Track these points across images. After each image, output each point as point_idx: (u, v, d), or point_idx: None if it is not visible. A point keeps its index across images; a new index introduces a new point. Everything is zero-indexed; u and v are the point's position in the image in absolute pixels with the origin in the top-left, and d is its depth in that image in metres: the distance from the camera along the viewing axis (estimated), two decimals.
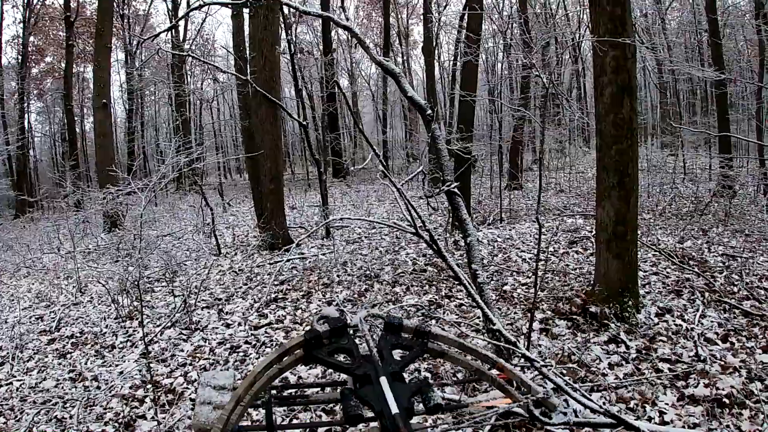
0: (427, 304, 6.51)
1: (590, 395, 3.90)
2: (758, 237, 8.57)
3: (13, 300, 8.97)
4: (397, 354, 1.09)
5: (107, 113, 15.95)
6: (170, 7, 26.81)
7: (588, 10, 6.67)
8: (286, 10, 11.55)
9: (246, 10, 11.72)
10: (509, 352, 3.75)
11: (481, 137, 16.22)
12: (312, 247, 10.41)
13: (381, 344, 1.05)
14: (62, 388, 5.24)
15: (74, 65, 26.21)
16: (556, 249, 8.78)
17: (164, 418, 4.40)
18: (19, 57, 25.69)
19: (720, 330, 5.15)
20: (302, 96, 18.05)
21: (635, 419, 3.57)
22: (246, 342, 5.94)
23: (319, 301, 7.11)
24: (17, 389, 5.31)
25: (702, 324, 5.30)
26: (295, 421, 3.87)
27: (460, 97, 11.64)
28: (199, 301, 7.39)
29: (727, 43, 16.81)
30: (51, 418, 4.62)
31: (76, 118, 27.95)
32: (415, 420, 0.96)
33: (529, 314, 5.02)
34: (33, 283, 10.07)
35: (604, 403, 3.81)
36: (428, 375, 4.59)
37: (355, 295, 7.13)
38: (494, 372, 1.16)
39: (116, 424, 4.40)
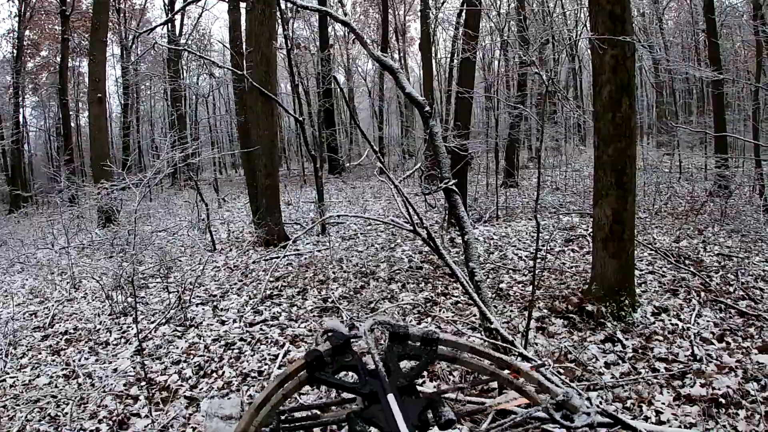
0: (423, 301, 6.49)
1: (587, 394, 3.89)
2: (754, 237, 8.58)
3: (6, 296, 8.90)
4: (405, 364, 1.05)
5: (102, 108, 15.85)
6: (167, 1, 26.68)
7: (586, 9, 6.65)
8: (283, 4, 11.48)
9: (243, 5, 11.66)
10: (506, 351, 3.73)
11: (478, 134, 16.18)
12: (307, 243, 10.39)
13: (387, 357, 1.01)
14: (56, 385, 5.20)
15: (70, 59, 26.08)
16: (553, 247, 8.78)
17: (158, 416, 4.36)
18: (15, 51, 25.47)
19: (716, 330, 5.15)
20: (299, 91, 18.00)
21: (632, 419, 3.58)
22: (241, 339, 5.91)
23: (315, 297, 7.09)
24: (11, 386, 5.27)
25: (698, 324, 5.30)
26: None
27: (457, 94, 11.62)
28: (193, 298, 7.35)
29: (724, 44, 16.84)
30: (44, 416, 4.58)
31: (71, 113, 27.80)
32: None
33: (525, 312, 5.00)
34: (27, 279, 10.01)
35: (600, 403, 3.80)
36: (425, 373, 4.57)
37: (351, 292, 7.11)
38: (507, 372, 1.12)
39: (110, 422, 4.37)
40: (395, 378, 0.96)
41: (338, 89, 21.67)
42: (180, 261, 9.68)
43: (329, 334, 1.07)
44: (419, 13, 18.93)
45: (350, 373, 1.02)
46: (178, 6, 25.05)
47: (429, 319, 5.90)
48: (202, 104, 32.90)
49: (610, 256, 5.47)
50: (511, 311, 5.99)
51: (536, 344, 4.92)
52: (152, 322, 6.67)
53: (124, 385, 5.03)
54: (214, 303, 7.26)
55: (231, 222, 13.81)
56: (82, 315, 7.39)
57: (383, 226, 10.87)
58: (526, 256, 8.28)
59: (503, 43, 16.25)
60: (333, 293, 7.12)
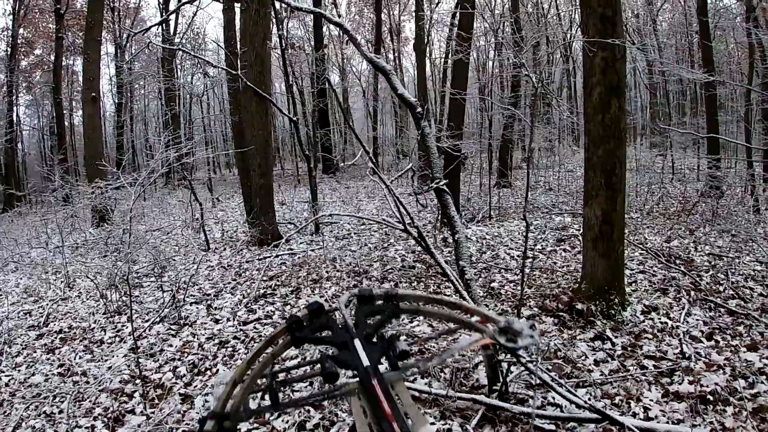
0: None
1: (576, 391, 3.95)
2: (744, 237, 8.65)
3: (0, 295, 8.90)
4: (372, 321, 1.17)
5: (96, 107, 15.86)
6: (161, 0, 26.66)
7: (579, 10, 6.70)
8: (277, 5, 11.50)
9: (237, 5, 11.69)
10: (495, 348, 3.78)
11: (472, 135, 16.26)
12: (301, 242, 10.42)
13: (356, 315, 1.13)
14: (51, 383, 5.21)
15: (64, 58, 25.99)
16: (544, 247, 8.84)
17: (153, 413, 4.39)
18: (8, 49, 25.40)
19: (705, 328, 5.21)
20: (293, 91, 18.01)
21: (620, 415, 3.63)
22: (235, 337, 5.94)
23: (308, 297, 7.12)
24: (6, 384, 5.28)
25: (687, 322, 5.35)
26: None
27: (451, 95, 11.67)
28: (187, 297, 7.38)
29: (717, 45, 16.95)
30: (40, 413, 4.60)
31: (65, 112, 27.70)
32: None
33: (516, 311, 5.06)
34: (21, 278, 10.00)
35: (589, 399, 3.86)
36: (415, 370, 4.61)
37: (344, 291, 7.14)
38: (458, 312, 1.24)
39: (105, 419, 4.39)
40: (362, 330, 1.07)
41: (331, 90, 21.72)
42: (174, 260, 9.70)
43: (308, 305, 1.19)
44: (414, 14, 18.95)
45: (325, 333, 1.13)
46: (172, 6, 25.04)
47: (420, 317, 5.94)
48: (196, 104, 32.86)
49: (600, 256, 5.53)
50: (503, 310, 6.04)
51: None
52: (147, 321, 6.69)
53: (120, 382, 5.05)
54: (208, 302, 7.29)
55: (225, 221, 13.83)
56: (76, 314, 7.39)
57: (376, 226, 10.91)
58: (518, 256, 8.34)
59: (497, 44, 16.30)
60: (326, 292, 7.17)
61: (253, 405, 1.00)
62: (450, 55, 15.40)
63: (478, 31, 17.20)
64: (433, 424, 3.74)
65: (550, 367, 4.40)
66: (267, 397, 1.03)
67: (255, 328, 6.18)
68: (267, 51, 10.60)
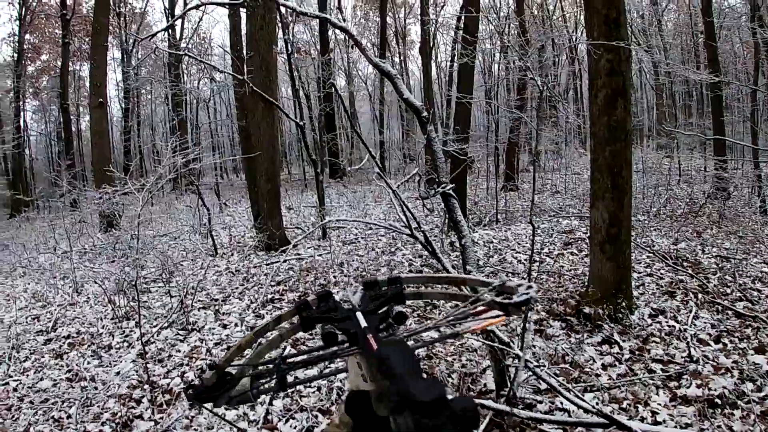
0: (423, 304, 6.53)
1: (584, 395, 3.94)
2: (752, 239, 8.63)
3: (9, 300, 8.95)
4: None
5: (103, 112, 15.91)
6: (167, 5, 26.79)
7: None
8: (283, 9, 11.54)
9: (243, 10, 11.72)
10: (503, 353, 3.79)
11: (478, 138, 16.23)
12: (309, 247, 10.42)
13: (362, 300, 1.17)
14: (59, 388, 5.23)
15: (70, 63, 26.16)
16: (551, 250, 8.82)
17: (161, 419, 4.40)
18: (15, 55, 25.55)
19: (713, 331, 5.20)
20: (299, 96, 18.05)
21: (628, 419, 3.63)
22: None
23: None
24: (14, 389, 5.31)
25: (695, 325, 5.34)
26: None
27: (457, 98, 11.67)
28: (195, 302, 7.40)
29: (722, 46, 16.87)
30: (48, 418, 4.62)
31: (72, 117, 27.86)
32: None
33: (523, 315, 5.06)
34: (29, 283, 10.05)
35: (597, 404, 3.85)
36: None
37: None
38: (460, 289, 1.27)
39: (113, 424, 4.41)
40: (365, 307, 1.11)
41: (336, 95, 21.75)
42: (182, 265, 9.72)
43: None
44: (419, 18, 18.97)
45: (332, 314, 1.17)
46: (178, 10, 25.17)
47: (429, 321, 5.94)
48: (203, 109, 32.94)
49: (607, 259, 5.52)
50: None
51: (534, 346, 4.97)
52: (155, 326, 6.71)
53: (128, 387, 5.07)
54: (216, 307, 7.31)
55: (233, 226, 13.85)
56: (84, 319, 7.43)
57: (384, 230, 10.92)
58: (525, 260, 8.32)
59: (503, 47, 16.30)
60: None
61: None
62: (455, 58, 15.42)
63: (483, 34, 17.19)
64: None
65: (557, 372, 4.40)
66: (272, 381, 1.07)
67: None
68: (273, 56, 10.63)
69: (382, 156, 23.33)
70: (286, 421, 4.14)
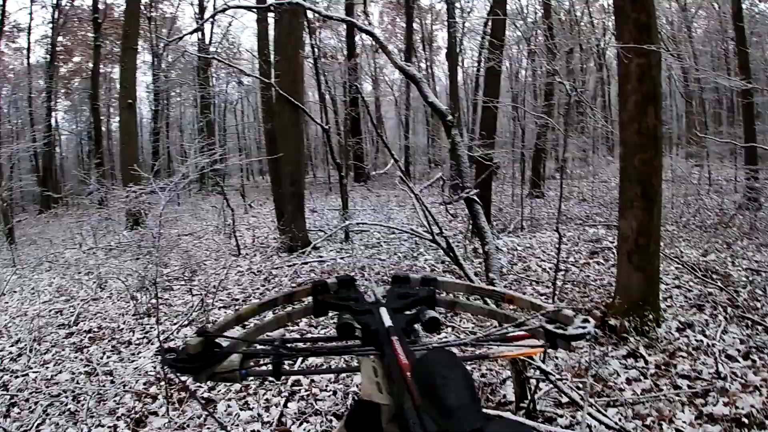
0: (444, 311, 6.44)
1: (606, 411, 3.83)
2: None
3: (33, 293, 9.08)
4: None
5: (132, 113, 16.15)
6: (197, 10, 27.12)
7: (613, 17, 6.59)
8: (310, 14, 11.58)
9: (271, 15, 11.79)
10: (524, 364, 3.70)
11: (504, 144, 16.12)
12: (330, 250, 10.41)
13: (388, 294, 1.05)
14: (77, 381, 5.26)
15: (101, 65, 26.63)
16: (577, 259, 8.68)
17: (176, 415, 4.40)
18: (48, 56, 26.08)
19: (742, 347, 5.03)
20: (325, 100, 18.10)
21: None
22: None
23: None
24: (33, 380, 5.35)
25: (723, 340, 5.18)
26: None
27: (483, 103, 11.60)
28: (216, 301, 7.42)
29: (753, 52, 16.53)
30: (64, 411, 4.64)
31: (102, 117, 28.37)
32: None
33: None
34: (54, 278, 10.19)
35: (620, 419, 3.74)
36: None
37: None
38: (503, 306, 1.14)
39: (128, 420, 4.41)
40: (390, 303, 0.99)
41: (361, 99, 21.73)
42: (204, 264, 9.78)
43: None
44: (446, 23, 18.89)
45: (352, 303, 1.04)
46: (207, 16, 25.44)
47: (449, 329, 5.86)
48: (230, 111, 33.27)
49: (634, 269, 5.39)
50: None
51: (557, 358, 4.86)
52: (175, 324, 6.73)
53: (144, 384, 5.07)
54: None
55: (256, 227, 13.92)
56: (106, 314, 7.49)
57: (406, 235, 10.86)
58: (550, 268, 8.19)
59: (530, 53, 16.16)
60: None
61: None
62: (482, 63, 15.34)
63: (510, 40, 17.09)
64: None
65: (580, 385, 4.29)
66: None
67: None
68: (299, 60, 10.67)
69: (407, 161, 23.25)
70: (300, 424, 4.09)
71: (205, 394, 4.75)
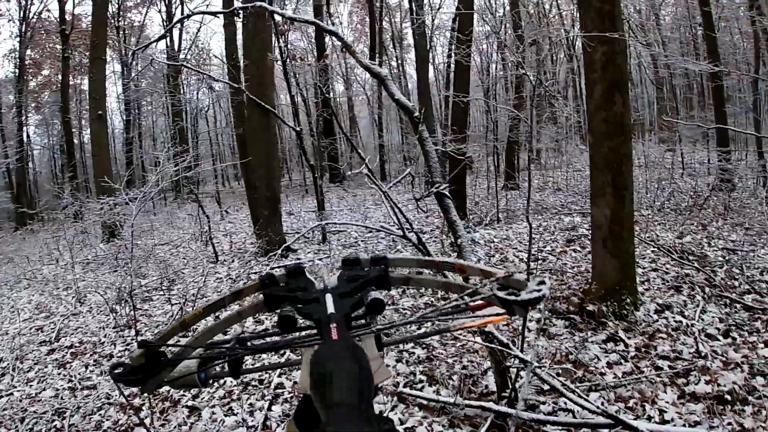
0: (424, 306, 6.47)
1: (588, 395, 3.87)
2: (758, 230, 8.52)
3: (13, 311, 8.96)
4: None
5: (103, 125, 15.93)
6: (164, 17, 26.87)
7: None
8: (277, 17, 11.53)
9: (238, 20, 11.74)
10: (503, 354, 3.71)
11: (477, 138, 16.19)
12: (309, 252, 10.38)
13: (339, 279, 1.03)
14: (62, 397, 5.21)
15: (71, 77, 26.29)
16: (554, 248, 8.73)
17: (161, 425, 4.37)
18: (17, 71, 25.70)
19: (721, 325, 5.11)
20: (296, 102, 18.02)
21: (634, 419, 3.55)
22: None
23: None
24: (18, 399, 5.29)
25: (702, 320, 5.25)
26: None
27: (453, 98, 11.64)
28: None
29: (722, 37, 16.77)
30: (50, 428, 4.60)
31: (73, 130, 28.00)
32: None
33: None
34: (33, 295, 10.05)
35: (602, 403, 3.78)
36: (423, 378, 4.56)
37: None
38: (459, 277, 1.11)
39: None
40: (338, 289, 0.97)
41: (333, 100, 21.67)
42: (183, 273, 9.70)
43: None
44: (412, 20, 18.87)
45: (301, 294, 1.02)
46: (173, 22, 25.23)
47: (429, 324, 5.86)
48: (202, 118, 33.02)
49: (609, 255, 5.44)
50: None
51: (537, 346, 4.89)
52: (155, 334, 6.66)
53: (128, 396, 5.03)
54: (217, 314, 7.23)
55: (233, 233, 13.83)
56: (87, 329, 7.41)
57: (383, 233, 10.85)
58: (527, 258, 8.24)
59: (499, 45, 16.26)
60: None
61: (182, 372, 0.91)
62: (452, 58, 15.36)
63: (480, 35, 17.16)
64: None
65: (560, 372, 4.32)
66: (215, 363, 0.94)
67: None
68: (268, 63, 10.62)
69: (382, 159, 23.26)
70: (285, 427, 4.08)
71: (189, 403, 4.72)
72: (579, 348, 4.78)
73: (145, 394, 4.77)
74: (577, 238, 9.19)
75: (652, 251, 7.68)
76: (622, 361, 4.57)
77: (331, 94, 16.11)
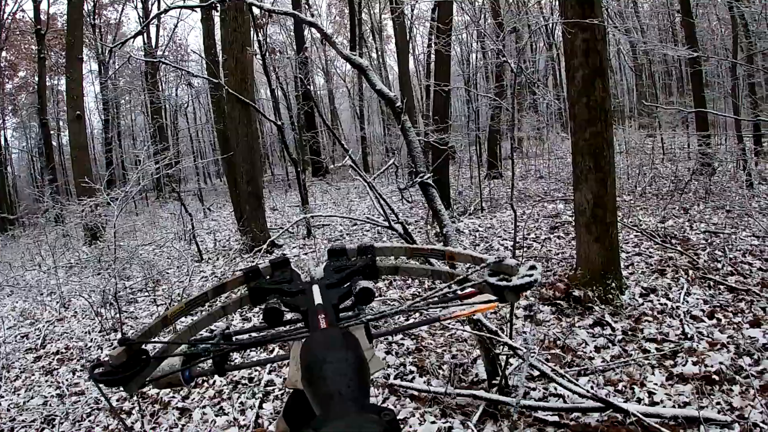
0: (411, 297, 6.47)
1: (578, 380, 3.88)
2: (739, 212, 8.61)
3: None
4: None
5: (82, 125, 15.71)
6: (141, 14, 26.57)
7: None
8: (256, 10, 11.44)
9: (216, 14, 11.62)
10: (492, 342, 3.72)
11: (459, 128, 16.20)
12: (294, 247, 10.35)
13: (325, 270, 1.01)
14: (50, 405, 5.16)
15: (48, 78, 25.90)
16: (538, 235, 8.78)
17: (152, 428, 4.34)
18: None
19: (706, 307, 5.15)
20: (276, 96, 17.94)
21: (624, 401, 3.57)
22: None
23: None
24: (6, 409, 5.22)
25: (687, 302, 5.30)
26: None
27: (434, 88, 11.64)
28: None
29: (699, 24, 16.88)
30: None
31: (52, 132, 27.61)
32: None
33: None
34: (17, 302, 9.92)
35: (592, 387, 3.80)
36: (414, 369, 4.57)
37: None
38: (445, 264, 1.09)
39: None
40: (326, 280, 0.96)
41: (315, 93, 21.57)
42: (167, 273, 9.63)
43: None
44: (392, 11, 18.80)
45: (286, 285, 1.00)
46: (150, 17, 24.98)
47: (417, 314, 5.87)
48: (182, 115, 32.73)
49: (593, 240, 5.47)
50: None
51: (524, 333, 4.92)
52: (137, 331, 6.60)
53: (117, 400, 4.99)
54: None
55: (217, 231, 13.75)
56: (72, 334, 7.34)
57: (369, 225, 10.84)
58: (512, 246, 8.28)
59: (479, 35, 16.25)
60: None
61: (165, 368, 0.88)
62: (432, 48, 15.35)
63: (460, 24, 17.14)
64: (433, 422, 3.68)
65: (549, 357, 4.34)
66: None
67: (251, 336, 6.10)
68: (247, 57, 10.54)
69: (364, 151, 23.22)
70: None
71: (180, 404, 4.69)
72: (567, 333, 4.81)
73: (134, 397, 4.74)
74: (560, 225, 9.25)
75: (635, 236, 7.75)
76: (610, 344, 4.60)
77: (312, 87, 15.99)
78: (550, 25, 18.97)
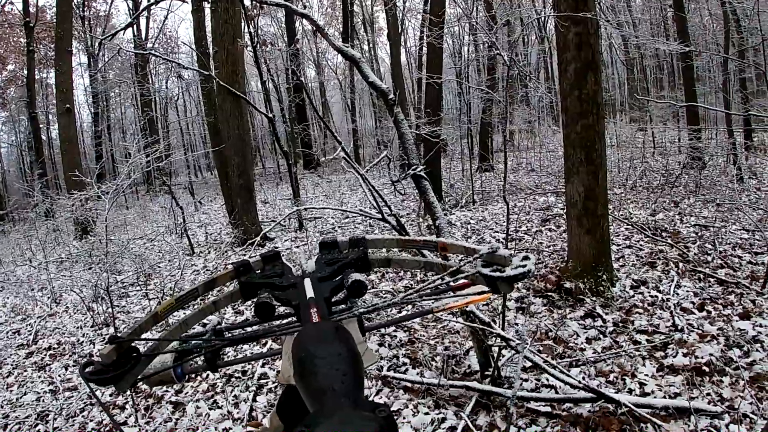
0: (403, 289, 6.48)
1: (569, 371, 3.91)
2: (729, 206, 8.67)
3: None
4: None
5: (71, 118, 15.60)
6: (131, 6, 26.36)
7: None
8: (247, 1, 11.38)
9: (207, 5, 11.55)
10: (484, 333, 3.74)
11: (451, 121, 16.20)
12: (286, 240, 10.33)
13: (317, 263, 1.00)
14: (43, 400, 5.15)
15: (37, 71, 25.63)
16: (530, 228, 8.81)
17: (146, 423, 4.34)
18: None
19: (696, 299, 5.19)
20: (267, 88, 17.87)
21: (615, 392, 3.60)
22: None
23: None
24: (0, 405, 5.20)
25: (677, 294, 5.34)
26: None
27: (426, 80, 11.63)
28: None
29: (691, 19, 16.93)
30: None
31: (41, 125, 27.37)
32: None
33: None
34: (8, 297, 9.85)
35: (583, 378, 3.82)
36: (407, 361, 4.58)
37: None
38: (437, 255, 1.08)
39: None
40: (318, 273, 0.96)
41: (306, 85, 21.48)
42: (159, 267, 9.59)
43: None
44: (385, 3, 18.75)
45: (277, 279, 1.00)
46: (141, 9, 24.79)
47: (410, 306, 5.88)
48: (172, 108, 32.53)
49: (585, 233, 5.50)
50: None
51: (516, 324, 4.94)
52: (127, 328, 6.58)
53: (110, 395, 4.97)
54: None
55: (208, 224, 13.70)
56: (64, 329, 7.31)
57: (361, 218, 10.84)
58: (504, 239, 8.31)
59: (471, 27, 16.24)
60: None
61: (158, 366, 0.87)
62: (424, 41, 15.34)
63: (452, 17, 17.10)
64: (427, 414, 3.70)
65: (541, 348, 4.37)
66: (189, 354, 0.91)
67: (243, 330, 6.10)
68: (238, 49, 10.49)
69: (356, 144, 23.17)
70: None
71: (173, 399, 4.68)
72: (558, 325, 4.84)
73: (127, 393, 4.73)
74: (552, 217, 9.28)
75: (626, 228, 7.80)
76: (601, 336, 4.63)
77: (303, 79, 15.92)
78: (543, 18, 19.00)
